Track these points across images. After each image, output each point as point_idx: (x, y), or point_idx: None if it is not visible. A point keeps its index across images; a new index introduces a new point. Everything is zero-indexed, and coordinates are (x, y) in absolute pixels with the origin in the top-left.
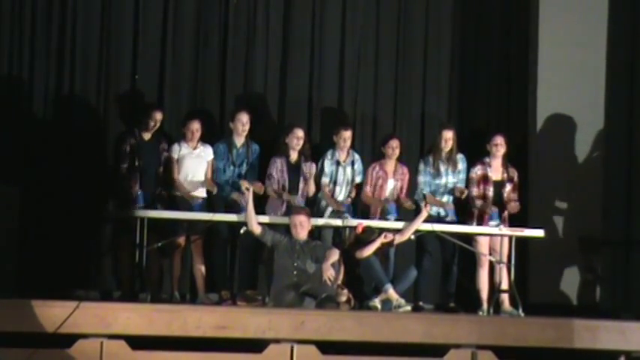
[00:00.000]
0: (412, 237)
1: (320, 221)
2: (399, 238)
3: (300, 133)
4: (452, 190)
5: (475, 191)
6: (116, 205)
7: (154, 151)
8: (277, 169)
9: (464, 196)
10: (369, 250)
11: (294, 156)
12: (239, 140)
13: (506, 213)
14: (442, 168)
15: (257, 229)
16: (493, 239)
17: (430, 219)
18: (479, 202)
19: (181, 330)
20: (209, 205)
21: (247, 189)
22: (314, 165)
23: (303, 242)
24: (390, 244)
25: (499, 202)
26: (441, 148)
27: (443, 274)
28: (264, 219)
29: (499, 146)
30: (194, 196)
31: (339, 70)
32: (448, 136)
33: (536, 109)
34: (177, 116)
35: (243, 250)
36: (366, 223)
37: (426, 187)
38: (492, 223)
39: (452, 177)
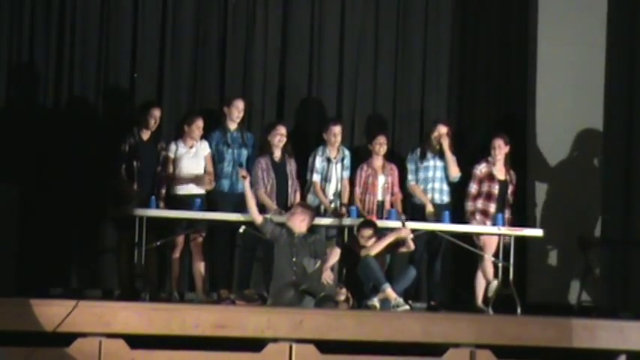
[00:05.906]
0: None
1: (322, 221)
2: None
3: (282, 130)
4: (445, 177)
5: (475, 189)
6: (114, 204)
7: (152, 151)
8: (262, 169)
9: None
10: (379, 247)
11: (277, 154)
12: (232, 125)
13: (508, 214)
14: (430, 159)
15: (258, 219)
16: (491, 238)
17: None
18: (470, 205)
19: (180, 329)
20: (209, 203)
21: (244, 177)
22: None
23: (302, 236)
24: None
25: (501, 201)
26: (432, 140)
27: (427, 270)
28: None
29: (497, 149)
30: (193, 194)
31: (339, 68)
32: (442, 132)
33: (536, 108)
34: (176, 115)
35: (243, 250)
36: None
37: (413, 175)
38: (495, 228)
39: (440, 171)
